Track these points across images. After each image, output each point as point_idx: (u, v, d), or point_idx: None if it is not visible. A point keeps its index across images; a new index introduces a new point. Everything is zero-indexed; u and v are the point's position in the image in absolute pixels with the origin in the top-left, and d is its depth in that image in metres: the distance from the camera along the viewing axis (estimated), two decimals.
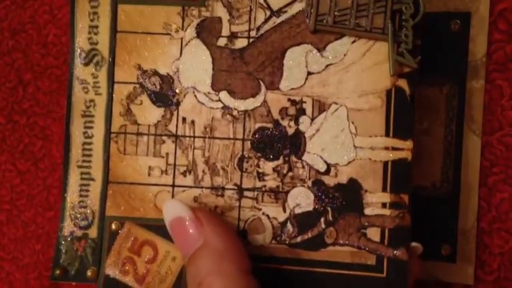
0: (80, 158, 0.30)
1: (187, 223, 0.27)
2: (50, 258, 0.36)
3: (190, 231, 0.26)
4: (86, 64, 0.31)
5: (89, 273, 0.30)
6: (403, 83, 0.29)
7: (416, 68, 0.29)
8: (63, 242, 0.30)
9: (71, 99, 0.31)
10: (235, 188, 0.30)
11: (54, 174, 0.37)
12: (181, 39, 0.30)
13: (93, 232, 0.30)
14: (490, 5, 0.33)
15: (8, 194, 0.37)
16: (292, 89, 0.30)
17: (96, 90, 0.31)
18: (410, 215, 0.29)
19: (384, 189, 0.29)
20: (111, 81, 0.31)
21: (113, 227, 0.30)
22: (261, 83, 0.30)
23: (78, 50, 0.31)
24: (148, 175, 0.30)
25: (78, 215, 0.30)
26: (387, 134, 0.29)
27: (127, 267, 0.30)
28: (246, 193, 0.30)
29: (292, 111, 0.30)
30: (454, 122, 0.33)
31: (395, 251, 0.28)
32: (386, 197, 0.29)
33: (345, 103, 0.29)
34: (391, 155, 0.29)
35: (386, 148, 0.29)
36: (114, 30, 0.31)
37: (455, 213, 0.33)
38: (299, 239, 0.29)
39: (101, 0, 0.31)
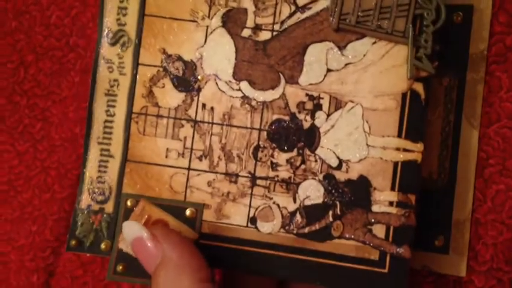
0: (101, 135, 0.32)
1: (146, 242, 0.28)
2: (46, 239, 0.36)
3: (150, 249, 0.28)
4: (113, 44, 0.32)
5: (102, 245, 0.31)
6: (418, 87, 0.30)
7: (433, 73, 0.30)
8: (80, 215, 0.31)
9: (96, 77, 0.32)
10: (249, 175, 0.31)
11: (53, 156, 0.36)
12: (207, 27, 0.31)
13: (109, 207, 0.31)
14: None
15: (6, 175, 0.37)
16: (311, 84, 0.31)
17: (121, 71, 0.32)
18: (416, 214, 0.30)
19: (392, 188, 0.30)
20: (135, 62, 0.31)
21: (129, 203, 0.31)
22: (281, 76, 0.31)
23: (106, 30, 0.32)
24: (166, 157, 0.31)
25: (96, 190, 0.31)
26: (399, 135, 0.30)
27: None
28: (258, 181, 0.31)
29: (309, 105, 0.31)
30: (453, 113, 0.33)
31: (398, 249, 0.29)
32: (394, 196, 0.30)
33: (361, 102, 0.30)
34: (401, 155, 0.30)
35: (398, 149, 0.30)
36: (142, 13, 0.31)
37: (451, 204, 0.33)
38: (307, 229, 0.30)
39: None
